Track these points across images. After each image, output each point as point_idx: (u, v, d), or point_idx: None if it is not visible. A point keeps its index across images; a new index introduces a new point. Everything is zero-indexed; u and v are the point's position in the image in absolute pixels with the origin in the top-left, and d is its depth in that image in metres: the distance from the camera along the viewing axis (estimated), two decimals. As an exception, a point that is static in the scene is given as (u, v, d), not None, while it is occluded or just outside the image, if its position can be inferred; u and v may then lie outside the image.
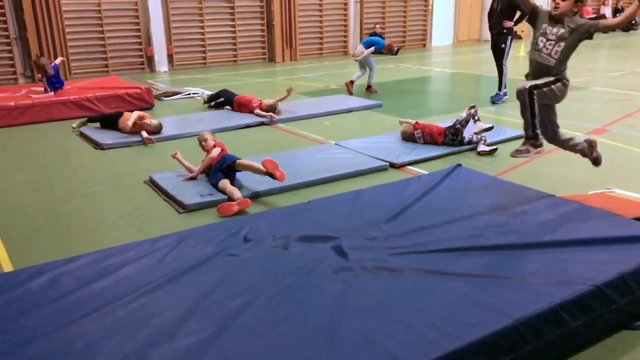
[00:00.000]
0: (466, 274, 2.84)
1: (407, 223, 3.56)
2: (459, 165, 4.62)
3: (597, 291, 2.63)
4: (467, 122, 5.98)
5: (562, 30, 3.83)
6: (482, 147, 5.80)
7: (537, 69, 3.95)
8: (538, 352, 2.44)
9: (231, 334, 2.41)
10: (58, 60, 8.92)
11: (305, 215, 3.75)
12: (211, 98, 8.35)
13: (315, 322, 2.48)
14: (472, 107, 6.07)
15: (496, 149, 5.79)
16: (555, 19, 3.88)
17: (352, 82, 9.40)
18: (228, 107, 8.08)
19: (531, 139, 3.89)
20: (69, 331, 2.47)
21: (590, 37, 3.85)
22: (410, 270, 2.91)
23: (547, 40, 3.86)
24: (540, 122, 3.91)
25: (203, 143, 5.06)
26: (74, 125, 7.11)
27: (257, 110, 7.52)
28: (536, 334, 2.43)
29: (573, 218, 3.51)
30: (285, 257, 3.14)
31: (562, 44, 3.81)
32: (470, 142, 5.93)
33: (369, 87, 9.59)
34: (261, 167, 4.54)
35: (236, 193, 4.40)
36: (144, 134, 6.44)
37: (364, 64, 9.40)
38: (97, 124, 7.08)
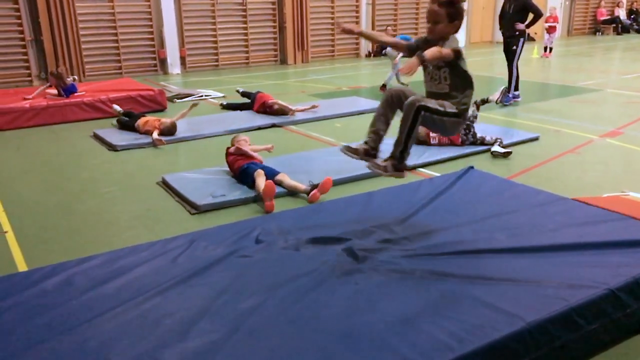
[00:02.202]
0: (479, 277, 2.82)
1: (419, 225, 3.55)
2: (471, 167, 4.60)
3: (611, 295, 2.61)
4: (475, 117, 6.06)
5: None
6: (496, 148, 5.77)
7: (435, 98, 3.24)
8: (551, 356, 2.42)
9: (243, 335, 2.41)
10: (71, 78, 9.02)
11: (317, 217, 3.75)
12: (244, 94, 8.61)
13: (327, 324, 2.48)
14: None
15: (510, 152, 5.75)
16: (433, 45, 3.14)
17: (398, 81, 9.66)
18: (241, 109, 8.23)
19: (395, 159, 3.20)
20: (83, 331, 2.49)
21: (457, 57, 3.11)
22: (422, 273, 2.90)
23: (432, 69, 3.22)
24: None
25: (237, 144, 5.14)
26: (114, 105, 7.69)
27: (274, 100, 7.79)
28: (549, 337, 2.41)
29: (587, 221, 3.48)
30: (296, 259, 3.14)
31: (446, 69, 3.17)
32: (483, 141, 5.94)
33: (384, 86, 9.60)
34: (301, 187, 4.66)
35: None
36: (155, 134, 6.49)
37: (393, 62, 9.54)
38: (116, 124, 7.27)
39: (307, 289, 2.78)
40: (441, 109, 3.15)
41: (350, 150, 3.26)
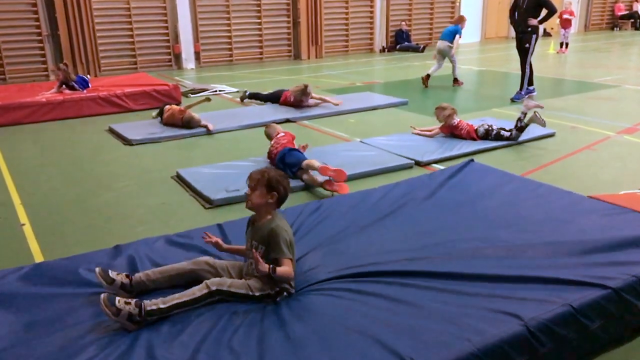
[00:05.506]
0: (478, 276, 2.74)
1: (417, 224, 3.44)
2: (472, 160, 4.53)
3: (620, 294, 2.55)
4: (500, 130, 6.03)
5: (255, 238, 2.76)
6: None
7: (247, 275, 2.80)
8: (555, 354, 2.37)
9: (245, 331, 2.41)
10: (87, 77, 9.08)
11: (317, 214, 3.66)
12: (267, 97, 8.55)
13: (325, 325, 2.42)
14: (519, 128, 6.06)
15: (542, 106, 6.19)
16: (253, 219, 2.84)
17: (428, 75, 9.71)
18: (266, 100, 8.38)
19: (141, 312, 2.49)
20: (98, 323, 2.52)
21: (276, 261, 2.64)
22: (421, 273, 2.80)
23: (251, 247, 2.76)
24: None
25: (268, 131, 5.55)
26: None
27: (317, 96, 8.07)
28: (552, 336, 2.36)
29: (600, 218, 3.41)
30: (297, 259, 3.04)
31: (265, 254, 2.69)
32: (498, 134, 5.94)
33: (455, 80, 9.80)
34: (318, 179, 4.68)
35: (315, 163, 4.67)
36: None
37: (442, 57, 9.63)
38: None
39: (306, 289, 2.76)
40: (250, 293, 2.67)
41: (103, 276, 2.73)
